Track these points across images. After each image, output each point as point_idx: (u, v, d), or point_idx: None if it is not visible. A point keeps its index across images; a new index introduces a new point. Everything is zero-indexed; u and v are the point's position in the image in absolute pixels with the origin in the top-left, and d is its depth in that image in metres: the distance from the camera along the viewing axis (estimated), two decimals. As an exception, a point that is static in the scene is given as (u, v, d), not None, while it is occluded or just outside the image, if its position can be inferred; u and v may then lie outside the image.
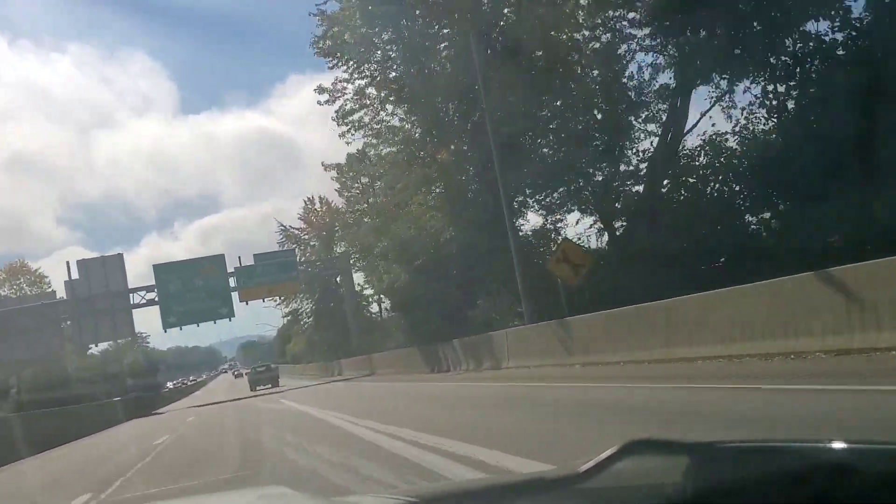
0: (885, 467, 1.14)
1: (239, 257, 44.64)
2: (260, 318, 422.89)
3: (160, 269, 42.87)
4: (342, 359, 50.69)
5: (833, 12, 18.07)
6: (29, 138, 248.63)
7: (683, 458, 1.26)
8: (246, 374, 65.76)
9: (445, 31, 25.77)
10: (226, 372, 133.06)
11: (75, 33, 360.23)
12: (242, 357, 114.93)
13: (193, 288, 42.31)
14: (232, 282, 43.55)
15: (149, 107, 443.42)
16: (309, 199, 59.38)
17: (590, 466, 1.33)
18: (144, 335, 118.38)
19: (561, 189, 25.15)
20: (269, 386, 47.02)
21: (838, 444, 1.19)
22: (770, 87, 19.75)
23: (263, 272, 43.65)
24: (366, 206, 44.07)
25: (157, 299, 42.56)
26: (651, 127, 23.44)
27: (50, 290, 55.16)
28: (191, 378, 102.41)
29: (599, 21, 22.83)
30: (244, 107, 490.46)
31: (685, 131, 22.70)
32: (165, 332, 42.39)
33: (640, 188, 23.96)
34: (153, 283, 42.71)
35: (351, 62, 27.73)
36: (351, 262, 47.81)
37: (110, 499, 8.31)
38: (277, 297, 56.58)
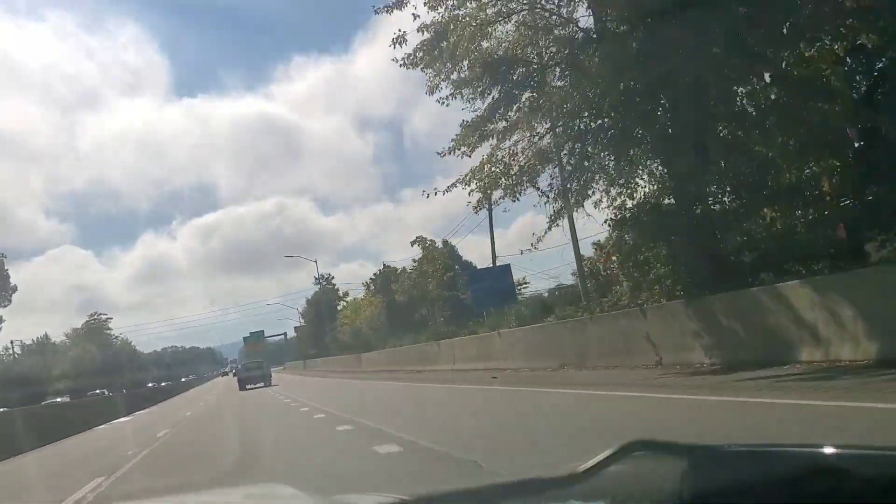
0: (880, 471, 1.12)
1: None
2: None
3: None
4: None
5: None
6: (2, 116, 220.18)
7: (682, 460, 1.24)
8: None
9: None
10: (225, 374, 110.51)
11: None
12: (245, 356, 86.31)
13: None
14: None
15: (139, 85, 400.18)
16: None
17: (588, 467, 1.31)
18: (104, 317, 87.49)
19: None
20: (262, 385, 41.36)
21: (834, 449, 1.17)
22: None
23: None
24: None
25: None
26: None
27: None
28: (149, 384, 72.03)
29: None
30: (243, 90, 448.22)
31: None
32: None
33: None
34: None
35: None
36: None
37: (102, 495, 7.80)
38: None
